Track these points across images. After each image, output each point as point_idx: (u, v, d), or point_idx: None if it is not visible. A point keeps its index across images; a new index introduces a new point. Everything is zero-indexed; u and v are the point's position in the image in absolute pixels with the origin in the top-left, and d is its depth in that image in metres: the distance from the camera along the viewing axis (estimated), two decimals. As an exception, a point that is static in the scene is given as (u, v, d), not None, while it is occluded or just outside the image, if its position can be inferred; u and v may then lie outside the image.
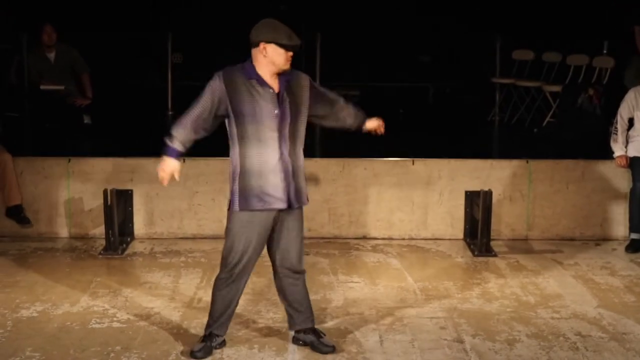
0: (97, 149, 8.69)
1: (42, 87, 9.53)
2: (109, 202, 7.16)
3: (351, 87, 13.36)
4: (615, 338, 5.46)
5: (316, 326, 5.24)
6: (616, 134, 7.43)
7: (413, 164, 7.76)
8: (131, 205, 7.62)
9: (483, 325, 5.64)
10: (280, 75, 4.83)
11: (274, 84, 4.82)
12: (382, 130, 5.25)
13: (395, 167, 7.75)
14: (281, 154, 4.82)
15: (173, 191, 7.61)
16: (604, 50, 10.26)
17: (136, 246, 7.48)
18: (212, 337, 5.11)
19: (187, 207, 7.70)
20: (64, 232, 7.72)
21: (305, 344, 5.17)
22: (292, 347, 5.23)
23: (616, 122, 7.46)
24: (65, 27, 10.02)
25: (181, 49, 12.03)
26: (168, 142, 4.87)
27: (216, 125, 4.92)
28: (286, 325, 5.53)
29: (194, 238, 7.71)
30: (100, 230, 7.52)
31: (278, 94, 4.81)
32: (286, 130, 4.82)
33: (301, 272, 5.11)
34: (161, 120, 10.66)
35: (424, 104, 13.09)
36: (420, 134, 10.04)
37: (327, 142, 8.99)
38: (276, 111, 4.78)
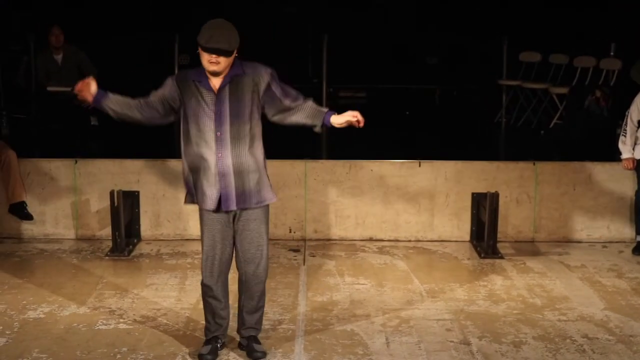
0: (103, 150, 8.72)
1: (49, 88, 9.56)
2: (115, 204, 7.17)
3: (358, 89, 13.40)
4: (622, 340, 5.45)
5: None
6: (625, 136, 7.41)
7: (419, 165, 7.75)
8: (138, 207, 7.63)
9: (489, 327, 5.63)
10: (227, 75, 4.82)
11: (216, 84, 4.83)
12: (360, 124, 4.93)
13: (402, 168, 7.75)
14: (219, 155, 4.82)
15: (180, 192, 7.61)
16: (611, 52, 10.24)
17: (142, 247, 7.49)
18: (216, 339, 5.12)
19: (193, 209, 7.67)
20: (70, 233, 7.73)
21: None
22: (298, 349, 5.23)
23: (625, 124, 7.43)
24: (73, 29, 10.06)
25: (188, 50, 12.04)
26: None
27: (155, 114, 4.99)
28: (293, 327, 5.55)
29: (200, 239, 7.70)
30: (106, 232, 7.53)
31: (216, 93, 4.81)
32: (225, 131, 4.80)
33: (261, 274, 5.03)
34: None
35: (430, 106, 13.09)
36: (426, 136, 10.05)
37: (334, 144, 8.99)
38: (213, 111, 4.80)
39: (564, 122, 9.88)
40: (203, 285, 5.06)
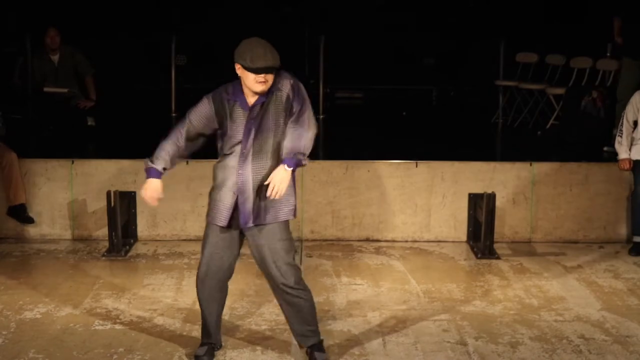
0: (100, 151, 8.71)
1: (45, 89, 9.56)
2: (112, 204, 7.17)
3: (355, 89, 13.40)
4: (618, 341, 5.45)
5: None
6: (621, 137, 7.42)
7: (416, 166, 7.76)
8: (134, 207, 7.63)
9: (486, 328, 5.64)
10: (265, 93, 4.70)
11: (252, 100, 4.72)
12: (270, 192, 4.69)
13: (399, 169, 7.75)
14: (239, 172, 4.74)
15: (176, 193, 7.62)
16: (608, 53, 10.24)
17: (139, 248, 7.49)
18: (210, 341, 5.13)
19: (190, 209, 7.71)
20: (67, 233, 7.73)
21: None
22: (294, 349, 5.23)
23: (621, 125, 7.45)
24: (70, 29, 10.05)
25: (185, 51, 12.04)
26: (149, 163, 4.94)
27: (198, 145, 4.92)
28: (288, 327, 5.55)
29: (197, 240, 7.69)
30: (103, 232, 7.53)
31: (250, 111, 4.71)
32: (249, 146, 4.71)
33: (292, 286, 4.88)
34: (165, 122, 10.68)
35: (427, 107, 13.09)
36: (423, 137, 10.05)
37: (331, 144, 9.00)
38: (245, 127, 4.71)
39: (560, 122, 9.87)
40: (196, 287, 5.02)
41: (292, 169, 4.71)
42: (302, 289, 4.91)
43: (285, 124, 4.73)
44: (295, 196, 4.90)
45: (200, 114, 4.81)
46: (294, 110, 4.73)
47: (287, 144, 4.72)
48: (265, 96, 4.71)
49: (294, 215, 4.88)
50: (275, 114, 4.72)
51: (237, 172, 4.76)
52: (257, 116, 4.71)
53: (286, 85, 4.73)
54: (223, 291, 5.03)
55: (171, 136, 4.90)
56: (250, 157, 4.73)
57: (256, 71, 4.60)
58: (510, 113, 10.92)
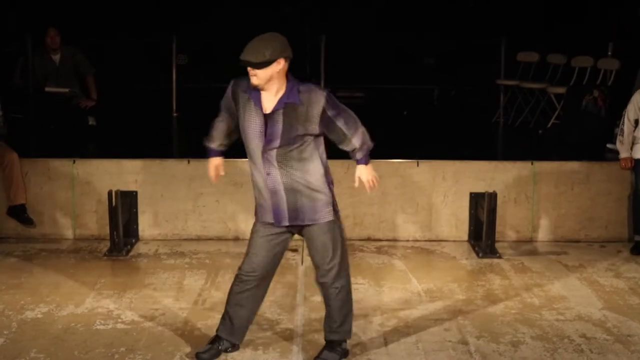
0: (101, 150, 8.71)
1: (47, 89, 9.56)
2: (113, 204, 7.16)
3: (356, 89, 13.39)
4: (620, 340, 5.45)
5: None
6: (622, 136, 7.42)
7: (418, 165, 7.75)
8: (136, 207, 7.63)
9: (487, 327, 5.63)
10: (280, 99, 4.63)
11: (268, 106, 4.66)
12: (370, 190, 5.04)
13: (400, 168, 7.75)
14: (267, 173, 4.72)
15: (177, 192, 7.62)
16: (609, 52, 10.24)
17: (140, 247, 7.49)
18: (219, 339, 5.10)
19: (191, 209, 7.71)
20: (68, 233, 7.73)
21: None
22: (296, 349, 5.23)
23: (622, 124, 7.45)
24: (70, 30, 10.05)
25: (186, 50, 12.04)
26: (206, 143, 5.05)
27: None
28: (291, 326, 5.55)
29: (198, 239, 7.72)
30: (104, 232, 7.53)
31: (267, 114, 4.65)
32: (272, 152, 4.67)
33: (329, 284, 4.96)
34: (165, 122, 10.68)
35: (428, 106, 13.09)
36: (424, 136, 10.05)
37: (332, 144, 8.99)
38: (262, 132, 4.67)
39: (561, 122, 9.87)
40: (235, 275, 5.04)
41: (368, 159, 4.97)
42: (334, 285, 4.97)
43: (312, 136, 4.71)
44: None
45: (226, 93, 4.86)
46: (336, 121, 4.74)
47: (356, 143, 4.89)
48: (283, 105, 4.63)
49: (332, 216, 4.91)
50: (303, 128, 4.66)
51: (264, 174, 4.74)
52: (276, 125, 4.63)
53: (316, 100, 4.64)
54: (262, 283, 5.11)
55: (219, 114, 4.98)
56: (276, 162, 4.70)
57: (242, 63, 4.60)
58: (511, 112, 10.92)
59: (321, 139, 4.83)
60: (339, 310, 5.02)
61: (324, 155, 4.89)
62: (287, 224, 4.83)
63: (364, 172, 5.00)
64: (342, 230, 4.99)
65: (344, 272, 4.98)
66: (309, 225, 4.85)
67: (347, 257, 5.02)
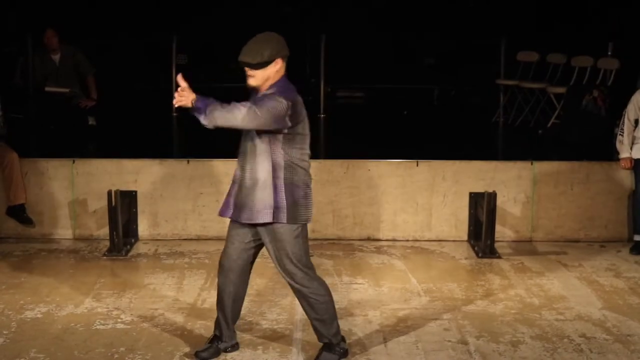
0: (101, 150, 8.72)
1: (47, 89, 9.57)
2: (113, 204, 7.16)
3: (356, 88, 13.40)
4: (619, 340, 5.45)
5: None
6: (622, 136, 7.42)
7: (417, 165, 7.75)
8: (135, 207, 7.63)
9: (487, 327, 5.63)
10: (262, 92, 4.67)
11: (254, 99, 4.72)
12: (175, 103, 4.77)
13: (400, 168, 7.75)
14: (238, 167, 4.82)
15: (177, 192, 7.62)
16: (609, 51, 10.24)
17: (140, 247, 7.49)
18: (218, 338, 5.11)
19: (191, 209, 7.71)
20: (68, 233, 7.73)
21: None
22: (295, 349, 5.23)
23: (622, 124, 7.45)
24: (70, 30, 10.05)
25: (186, 50, 12.04)
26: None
27: None
28: (290, 326, 5.55)
29: (197, 239, 7.72)
30: (104, 232, 7.53)
31: None
32: (243, 145, 4.76)
33: (292, 287, 4.90)
34: (165, 122, 10.68)
35: (428, 106, 13.09)
36: (424, 136, 10.05)
37: (332, 143, 9.00)
38: None
39: (561, 121, 9.87)
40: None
41: (195, 107, 4.58)
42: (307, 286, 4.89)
43: (266, 131, 4.62)
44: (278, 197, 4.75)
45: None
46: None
47: (223, 106, 4.55)
48: (262, 97, 4.65)
49: (270, 218, 4.72)
50: None
51: (237, 169, 4.84)
52: None
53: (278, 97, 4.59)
54: (239, 279, 5.05)
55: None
56: (241, 155, 4.79)
57: (239, 64, 4.63)
58: (511, 112, 10.92)
59: (281, 138, 4.64)
60: (310, 315, 4.97)
61: (284, 156, 4.67)
62: (229, 216, 4.83)
63: (187, 94, 4.71)
64: (300, 236, 4.77)
65: (304, 279, 4.83)
66: (261, 226, 4.76)
67: (306, 263, 4.84)
